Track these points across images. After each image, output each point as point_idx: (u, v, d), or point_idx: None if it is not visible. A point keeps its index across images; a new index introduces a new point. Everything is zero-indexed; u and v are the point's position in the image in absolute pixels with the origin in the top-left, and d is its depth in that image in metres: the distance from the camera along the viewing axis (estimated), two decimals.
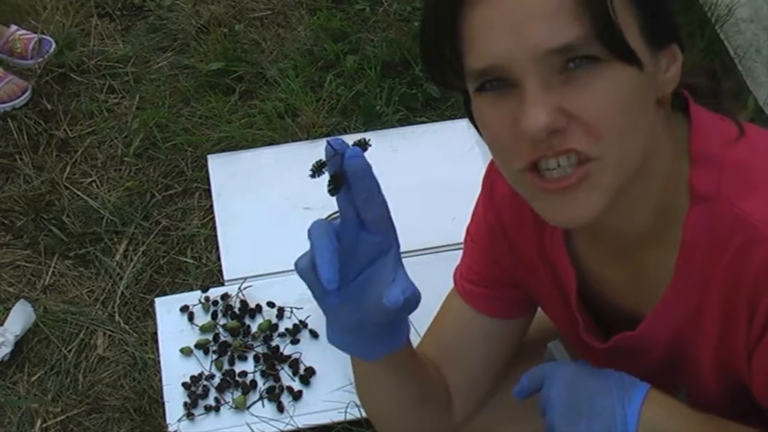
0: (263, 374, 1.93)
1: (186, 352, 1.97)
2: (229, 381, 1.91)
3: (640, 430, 1.03)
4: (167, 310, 2.03)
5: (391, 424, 1.27)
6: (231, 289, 2.06)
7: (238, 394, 1.90)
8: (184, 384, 1.91)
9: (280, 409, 1.87)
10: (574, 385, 1.07)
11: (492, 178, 1.20)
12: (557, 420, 1.06)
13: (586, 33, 0.87)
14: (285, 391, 1.90)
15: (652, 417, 1.04)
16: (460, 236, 2.09)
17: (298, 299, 2.04)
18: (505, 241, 1.19)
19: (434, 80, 0.99)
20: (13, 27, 2.56)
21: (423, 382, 1.21)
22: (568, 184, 0.92)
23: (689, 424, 1.05)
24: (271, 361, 1.94)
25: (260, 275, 2.09)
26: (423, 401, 1.22)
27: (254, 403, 1.89)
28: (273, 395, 1.89)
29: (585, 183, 0.93)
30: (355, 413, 1.86)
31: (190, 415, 1.87)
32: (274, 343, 1.97)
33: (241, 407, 1.87)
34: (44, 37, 2.58)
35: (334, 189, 1.00)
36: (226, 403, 1.89)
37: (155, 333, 2.01)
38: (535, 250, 1.16)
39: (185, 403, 1.88)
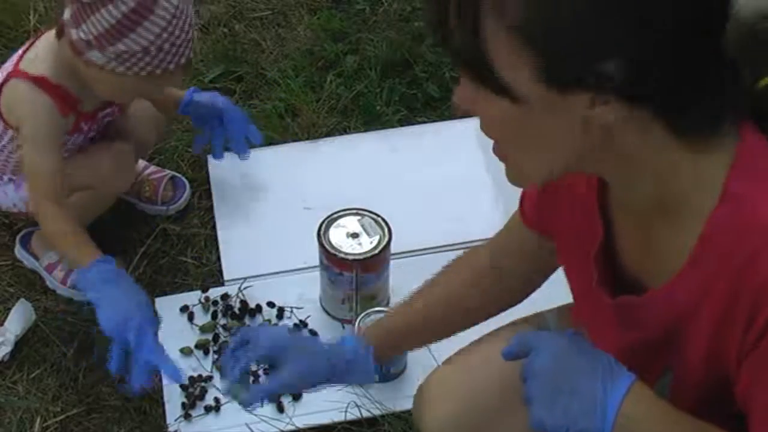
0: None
1: (186, 352, 1.97)
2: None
3: (619, 420, 1.03)
4: (167, 309, 2.03)
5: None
6: (231, 289, 2.06)
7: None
8: (182, 386, 1.90)
9: (280, 409, 1.87)
10: (562, 359, 1.07)
11: None
12: (537, 392, 1.06)
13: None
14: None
15: (631, 409, 1.04)
16: (460, 236, 2.11)
17: (298, 299, 2.05)
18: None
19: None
20: (141, 164, 2.23)
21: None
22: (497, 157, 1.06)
23: (667, 422, 1.06)
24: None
25: (260, 275, 2.09)
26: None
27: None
28: (274, 396, 1.89)
29: (505, 164, 1.05)
30: (355, 413, 1.86)
31: (187, 416, 1.87)
32: None
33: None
34: (176, 174, 2.26)
35: None
36: (226, 402, 1.89)
37: None
38: (575, 192, 1.17)
39: (183, 404, 1.88)
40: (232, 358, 1.43)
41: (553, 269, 1.38)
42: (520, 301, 1.45)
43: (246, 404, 1.42)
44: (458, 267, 1.48)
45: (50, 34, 1.87)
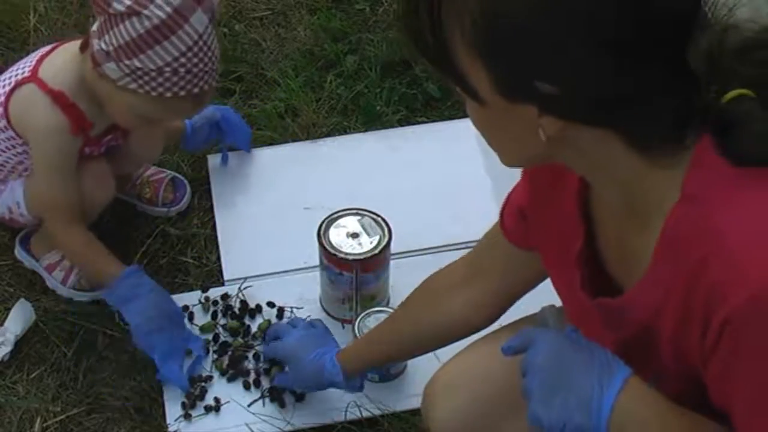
0: (266, 372, 1.93)
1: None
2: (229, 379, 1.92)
3: (614, 414, 1.05)
4: None
5: None
6: (231, 289, 2.06)
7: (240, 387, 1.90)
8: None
9: (282, 412, 1.87)
10: (559, 355, 1.09)
11: None
12: (535, 388, 1.08)
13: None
14: (287, 391, 1.89)
15: (628, 403, 1.05)
16: (460, 236, 2.11)
17: (298, 299, 2.05)
18: (544, 174, 1.24)
19: None
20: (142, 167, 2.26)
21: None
22: None
23: (663, 416, 1.07)
24: (273, 360, 1.94)
25: (260, 275, 2.09)
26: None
27: (255, 401, 1.89)
28: (274, 395, 1.89)
29: None
30: (355, 413, 1.86)
31: (187, 416, 1.87)
32: None
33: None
34: (177, 175, 2.26)
35: None
36: (226, 402, 1.89)
37: None
38: (558, 195, 1.20)
39: (183, 404, 1.88)
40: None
41: (531, 286, 1.44)
42: (492, 321, 1.51)
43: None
44: (425, 297, 1.57)
45: (73, 46, 1.86)
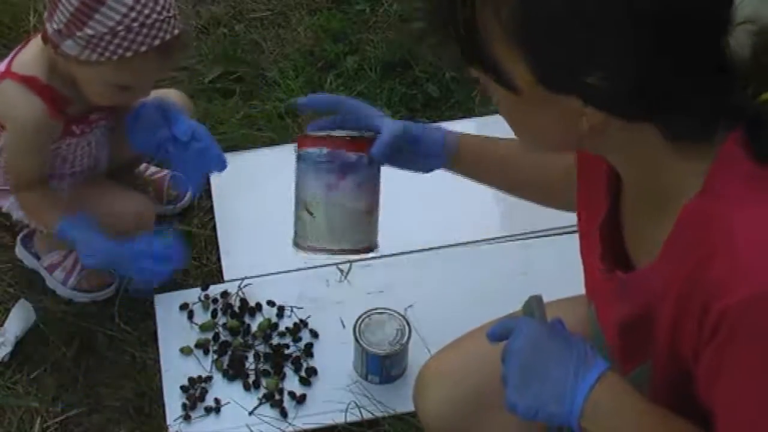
0: (266, 373, 1.93)
1: (186, 351, 1.96)
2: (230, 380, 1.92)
3: (587, 407, 1.08)
4: (166, 307, 2.03)
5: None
6: (231, 286, 2.06)
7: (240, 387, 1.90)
8: (182, 387, 1.91)
9: (283, 413, 1.87)
10: (538, 344, 1.12)
11: None
12: (512, 375, 1.12)
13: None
14: (287, 394, 1.89)
15: (601, 397, 1.08)
16: (460, 236, 2.11)
17: (298, 298, 2.05)
18: None
19: None
20: (143, 165, 2.24)
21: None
22: None
23: (635, 411, 1.09)
24: (274, 360, 1.94)
25: (260, 275, 2.09)
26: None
27: (258, 406, 1.89)
28: (274, 400, 1.89)
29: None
30: (356, 414, 1.86)
31: (187, 417, 1.87)
32: (275, 342, 1.97)
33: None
34: (175, 173, 2.24)
35: None
36: (227, 403, 1.89)
37: (155, 333, 2.00)
38: (594, 161, 1.20)
39: (183, 405, 1.88)
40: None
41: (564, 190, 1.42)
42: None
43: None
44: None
45: (39, 38, 1.87)
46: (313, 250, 1.55)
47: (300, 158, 1.54)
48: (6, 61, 1.88)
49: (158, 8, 1.70)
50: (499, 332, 1.18)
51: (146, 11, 1.69)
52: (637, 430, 1.09)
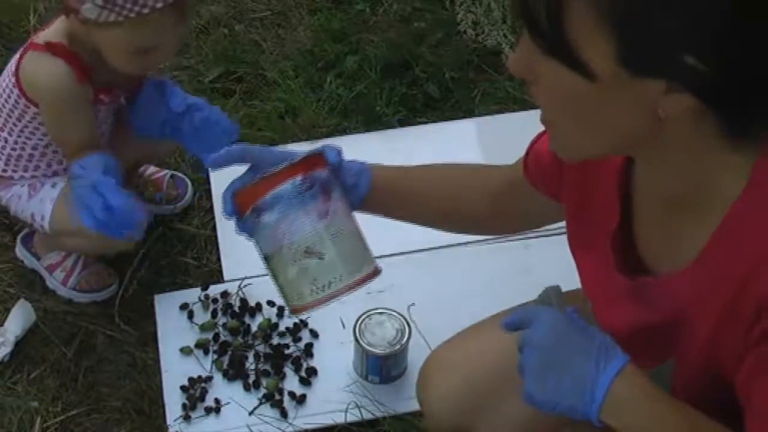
0: (266, 374, 1.93)
1: (186, 351, 1.96)
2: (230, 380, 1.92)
3: (608, 399, 1.05)
4: (166, 307, 2.03)
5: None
6: (231, 286, 2.06)
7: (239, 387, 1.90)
8: (182, 387, 1.91)
9: (283, 413, 1.87)
10: (558, 335, 1.08)
11: None
12: (531, 365, 1.09)
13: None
14: (287, 394, 1.89)
15: (621, 390, 1.05)
16: (459, 236, 2.10)
17: None
18: None
19: None
20: (142, 166, 2.24)
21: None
22: (543, 125, 1.07)
23: (655, 406, 1.06)
24: (274, 360, 1.94)
25: (260, 275, 2.08)
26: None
27: (258, 406, 1.89)
28: (275, 400, 1.89)
29: (549, 135, 1.07)
30: (356, 414, 1.86)
31: (187, 417, 1.87)
32: (275, 342, 1.97)
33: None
34: (175, 172, 2.26)
35: None
36: (227, 403, 1.89)
37: (155, 333, 2.00)
38: (596, 166, 1.17)
39: (183, 405, 1.88)
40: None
41: (546, 222, 1.44)
42: (511, 231, 1.53)
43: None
44: (469, 172, 1.52)
45: (59, 18, 1.88)
46: (324, 299, 1.25)
47: (267, 207, 1.23)
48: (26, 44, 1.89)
49: None
50: (516, 321, 1.14)
51: None
52: (659, 424, 1.06)
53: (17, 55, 1.88)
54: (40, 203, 1.96)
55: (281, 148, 1.42)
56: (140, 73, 1.92)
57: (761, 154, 0.99)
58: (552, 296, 1.16)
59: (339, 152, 1.32)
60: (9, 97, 1.88)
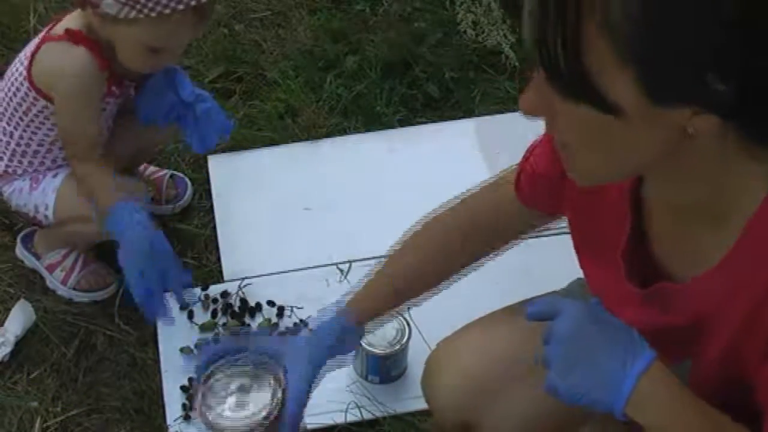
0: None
1: (186, 352, 1.96)
2: None
3: (634, 394, 1.04)
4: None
5: None
6: (231, 286, 2.06)
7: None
8: (182, 387, 1.91)
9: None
10: (585, 328, 1.07)
11: None
12: (556, 358, 1.07)
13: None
14: None
15: (648, 387, 1.04)
16: None
17: (298, 298, 2.04)
18: None
19: None
20: (142, 166, 2.25)
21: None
22: (559, 152, 1.06)
23: (682, 403, 1.05)
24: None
25: (260, 275, 2.09)
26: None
27: None
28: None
29: (567, 162, 1.05)
30: (356, 414, 1.86)
31: (187, 417, 1.87)
32: None
33: None
34: (174, 172, 2.27)
35: None
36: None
37: (155, 333, 2.00)
38: (607, 185, 1.16)
39: (183, 405, 1.88)
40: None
41: (516, 239, 1.47)
42: (478, 260, 1.55)
43: None
44: (425, 234, 1.56)
45: (74, 11, 1.87)
46: None
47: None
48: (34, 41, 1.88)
49: None
50: (543, 312, 1.12)
51: None
52: (684, 422, 1.05)
53: (31, 48, 1.87)
54: (42, 194, 1.96)
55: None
56: (146, 71, 1.92)
57: None
58: (577, 289, 1.15)
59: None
60: (18, 90, 1.88)
